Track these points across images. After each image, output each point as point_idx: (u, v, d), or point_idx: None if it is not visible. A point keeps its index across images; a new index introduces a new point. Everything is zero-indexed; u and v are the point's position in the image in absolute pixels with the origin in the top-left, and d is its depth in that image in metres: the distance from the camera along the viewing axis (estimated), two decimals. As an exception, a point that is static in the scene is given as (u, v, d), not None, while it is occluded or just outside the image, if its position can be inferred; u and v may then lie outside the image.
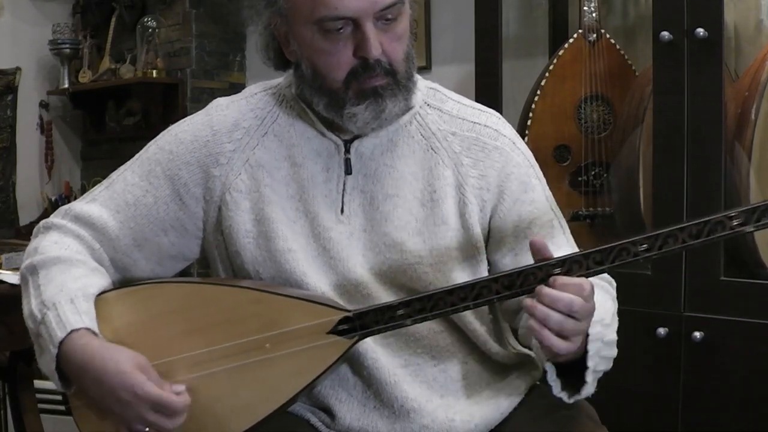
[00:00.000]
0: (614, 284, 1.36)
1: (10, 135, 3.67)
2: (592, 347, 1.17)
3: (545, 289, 1.12)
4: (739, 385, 1.90)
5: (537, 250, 1.16)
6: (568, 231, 1.38)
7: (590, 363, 1.17)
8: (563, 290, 1.11)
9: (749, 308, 1.89)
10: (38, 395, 2.54)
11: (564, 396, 1.21)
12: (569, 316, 1.11)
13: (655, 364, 2.01)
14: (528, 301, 1.13)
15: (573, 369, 1.20)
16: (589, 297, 1.13)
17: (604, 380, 1.27)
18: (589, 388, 1.20)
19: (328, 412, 1.30)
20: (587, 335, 1.16)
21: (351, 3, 1.19)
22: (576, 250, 1.33)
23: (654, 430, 2.02)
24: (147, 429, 1.18)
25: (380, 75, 1.23)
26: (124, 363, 1.18)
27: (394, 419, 1.28)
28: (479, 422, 1.30)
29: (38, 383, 2.60)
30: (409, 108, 1.31)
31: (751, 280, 1.96)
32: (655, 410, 2.01)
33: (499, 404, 1.32)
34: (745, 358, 1.90)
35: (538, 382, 1.40)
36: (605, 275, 1.32)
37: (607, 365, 1.24)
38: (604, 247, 1.15)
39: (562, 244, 1.33)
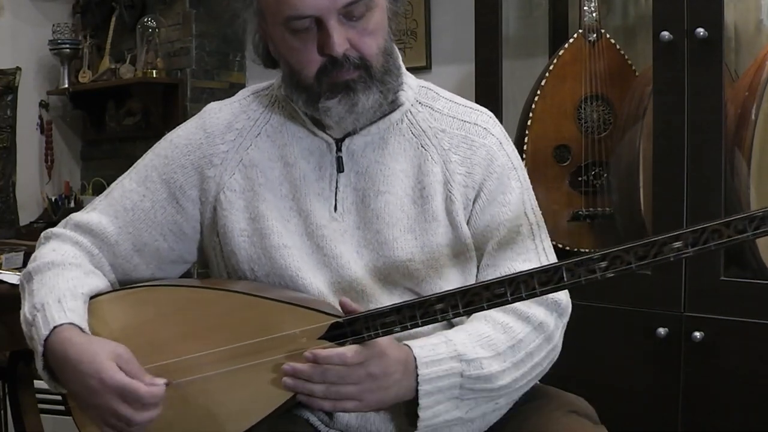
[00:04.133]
0: (538, 319, 1.30)
1: (10, 135, 3.65)
2: (428, 386, 1.20)
3: (296, 365, 1.18)
4: (739, 385, 1.90)
5: (347, 311, 1.19)
6: (541, 238, 1.36)
7: (423, 401, 1.20)
8: (325, 362, 1.16)
9: (749, 308, 1.89)
10: (38, 395, 2.53)
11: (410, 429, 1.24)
12: (331, 383, 1.17)
13: (655, 364, 2.01)
14: (288, 380, 1.18)
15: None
16: (358, 362, 1.17)
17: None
18: (445, 416, 1.23)
19: (327, 411, 1.30)
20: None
21: (312, 2, 1.20)
22: (547, 258, 1.34)
23: (654, 430, 2.02)
24: (126, 425, 1.17)
25: (351, 69, 1.24)
26: (100, 353, 1.18)
27: (392, 416, 1.27)
28: (477, 423, 1.30)
29: (38, 383, 2.59)
30: (390, 102, 1.31)
31: (751, 280, 1.96)
32: (655, 410, 2.01)
33: (498, 404, 1.32)
34: (745, 358, 1.90)
35: (538, 381, 1.40)
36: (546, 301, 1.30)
37: (496, 394, 1.26)
38: (594, 254, 1.13)
39: (524, 251, 1.32)
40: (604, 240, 2.32)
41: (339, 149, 1.32)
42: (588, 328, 2.02)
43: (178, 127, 1.41)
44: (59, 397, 1.29)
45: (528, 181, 1.39)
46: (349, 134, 1.32)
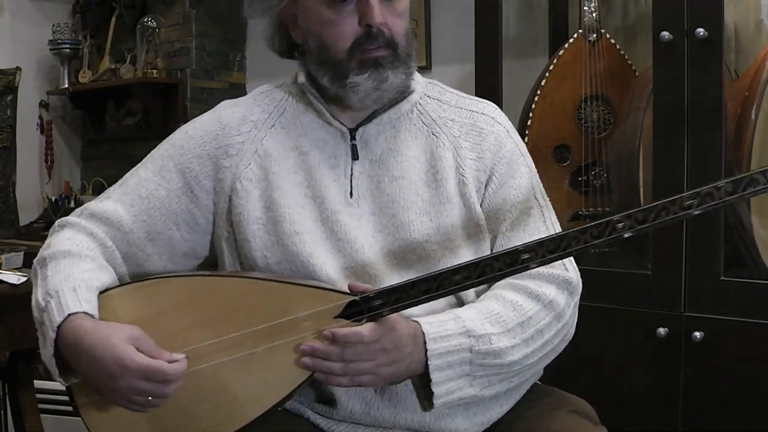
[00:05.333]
0: (548, 297, 1.32)
1: (10, 135, 3.66)
2: (438, 361, 1.22)
3: (315, 345, 1.20)
4: (739, 385, 1.90)
5: (357, 293, 1.22)
6: (552, 221, 1.40)
7: (434, 375, 1.23)
8: (343, 340, 1.19)
9: (749, 308, 1.89)
10: (38, 395, 2.54)
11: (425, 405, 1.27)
12: (349, 360, 1.20)
13: (655, 364, 2.01)
14: (307, 359, 1.20)
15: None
16: (373, 339, 1.20)
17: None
18: (458, 394, 1.25)
19: (330, 400, 1.31)
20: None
21: None
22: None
23: (654, 430, 2.02)
24: (150, 398, 1.19)
25: (382, 47, 1.30)
26: (114, 336, 1.19)
27: (396, 402, 1.28)
28: (479, 418, 1.31)
29: (38, 383, 2.60)
30: (408, 86, 1.36)
31: (751, 280, 1.96)
32: (655, 410, 2.01)
33: (499, 401, 1.33)
34: (745, 358, 1.90)
35: (538, 381, 1.40)
36: (558, 276, 1.33)
37: (507, 370, 1.27)
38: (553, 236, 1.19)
39: (536, 233, 1.35)
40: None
41: (353, 138, 1.35)
42: (588, 328, 2.02)
43: (193, 119, 1.44)
44: (59, 397, 1.29)
45: (534, 168, 1.43)
46: (361, 124, 1.36)
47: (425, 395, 1.26)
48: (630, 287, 2.06)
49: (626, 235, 1.16)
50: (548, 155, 2.35)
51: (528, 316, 1.29)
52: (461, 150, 1.37)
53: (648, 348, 2.01)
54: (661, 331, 1.98)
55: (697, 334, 1.93)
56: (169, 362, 1.18)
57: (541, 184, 1.43)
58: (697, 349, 1.95)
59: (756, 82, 1.99)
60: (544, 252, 1.18)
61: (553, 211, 1.42)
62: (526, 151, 1.43)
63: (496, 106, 1.45)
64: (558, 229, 1.40)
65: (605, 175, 2.35)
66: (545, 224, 1.38)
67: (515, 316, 1.28)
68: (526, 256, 1.18)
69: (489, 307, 1.28)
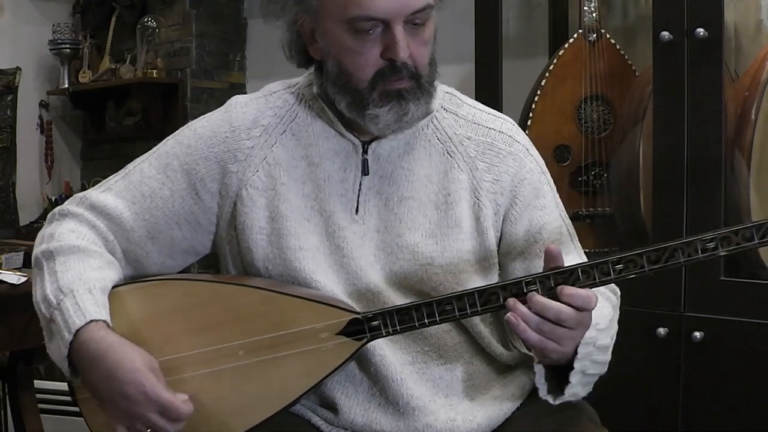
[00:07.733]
0: (618, 293, 1.37)
1: (10, 135, 3.66)
2: (582, 350, 1.19)
3: (535, 297, 1.14)
4: (739, 385, 1.90)
5: (551, 258, 1.18)
6: (576, 239, 1.39)
7: (577, 365, 1.19)
8: (570, 301, 1.13)
9: (749, 308, 1.89)
10: (38, 395, 2.54)
11: (550, 398, 1.23)
12: (557, 324, 1.13)
13: (655, 364, 2.01)
14: (511, 301, 1.15)
15: (562, 371, 1.22)
16: (591, 308, 1.15)
17: (605, 380, 1.28)
18: (575, 389, 1.23)
19: (333, 407, 1.30)
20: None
21: (383, 4, 1.21)
22: (583, 257, 1.35)
23: (654, 430, 2.02)
24: (148, 430, 1.19)
25: (405, 78, 1.25)
26: (138, 361, 1.19)
27: (398, 417, 1.28)
28: (481, 422, 1.30)
29: (38, 383, 2.60)
30: (429, 112, 1.32)
31: (751, 280, 1.96)
32: (655, 410, 2.01)
33: (501, 405, 1.33)
34: (745, 358, 1.90)
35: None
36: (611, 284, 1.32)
37: (600, 370, 1.25)
38: (610, 258, 1.17)
39: (570, 251, 1.33)
40: (605, 240, 2.32)
41: (365, 152, 1.32)
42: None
43: (202, 116, 1.40)
44: (59, 397, 1.30)
45: (553, 183, 1.41)
46: (375, 138, 1.32)
47: (552, 388, 1.22)
48: (630, 287, 2.05)
49: (631, 276, 1.15)
50: (548, 155, 2.34)
51: (609, 318, 1.27)
52: (477, 172, 1.33)
53: (648, 348, 2.01)
54: (661, 331, 1.98)
55: (697, 334, 1.93)
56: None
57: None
58: (697, 349, 1.95)
59: (756, 82, 1.99)
60: (550, 285, 1.16)
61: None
62: (546, 169, 1.40)
63: (514, 122, 1.40)
64: (581, 249, 1.38)
65: (605, 175, 2.35)
66: (573, 242, 1.36)
67: (606, 314, 1.26)
68: (533, 287, 1.16)
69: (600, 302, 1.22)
